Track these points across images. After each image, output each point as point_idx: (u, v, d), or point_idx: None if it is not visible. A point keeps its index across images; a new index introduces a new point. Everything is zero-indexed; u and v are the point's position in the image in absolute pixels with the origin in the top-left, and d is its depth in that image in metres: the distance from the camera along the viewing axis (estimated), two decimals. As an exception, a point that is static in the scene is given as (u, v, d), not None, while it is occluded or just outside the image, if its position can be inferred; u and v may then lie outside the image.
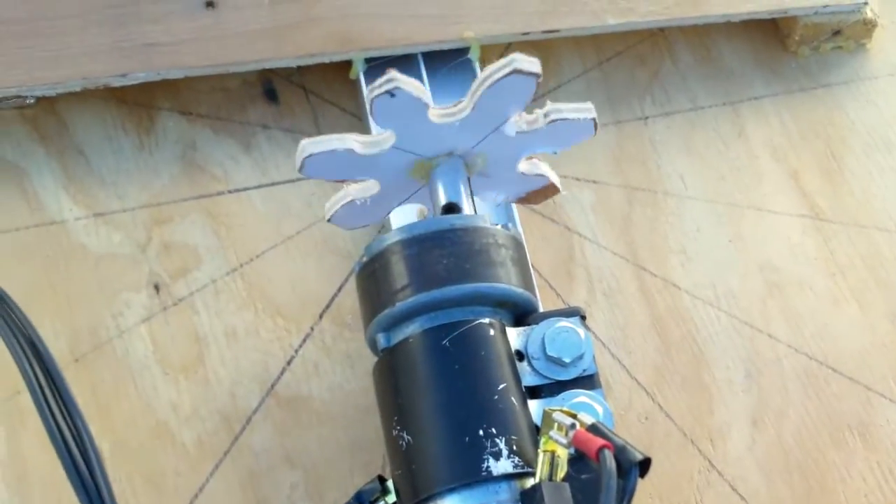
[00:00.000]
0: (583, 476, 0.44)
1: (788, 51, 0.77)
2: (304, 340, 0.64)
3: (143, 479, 0.60)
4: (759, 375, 0.65)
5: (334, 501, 0.60)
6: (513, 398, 0.47)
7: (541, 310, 0.54)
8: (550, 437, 0.45)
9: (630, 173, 0.72)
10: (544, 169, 0.60)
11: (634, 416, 0.64)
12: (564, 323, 0.50)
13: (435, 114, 0.53)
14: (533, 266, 0.66)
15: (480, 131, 0.55)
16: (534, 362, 0.50)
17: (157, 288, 0.65)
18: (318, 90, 0.73)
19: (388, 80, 0.50)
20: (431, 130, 0.53)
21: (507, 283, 0.51)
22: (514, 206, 0.66)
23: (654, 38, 0.77)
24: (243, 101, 0.72)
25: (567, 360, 0.49)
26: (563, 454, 0.44)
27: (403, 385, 0.49)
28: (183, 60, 0.67)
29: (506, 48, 0.74)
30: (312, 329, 0.65)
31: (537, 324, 0.51)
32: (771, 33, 0.77)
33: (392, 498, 0.49)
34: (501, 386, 0.48)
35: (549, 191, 0.61)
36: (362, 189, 0.56)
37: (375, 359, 0.53)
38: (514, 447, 0.46)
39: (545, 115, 0.55)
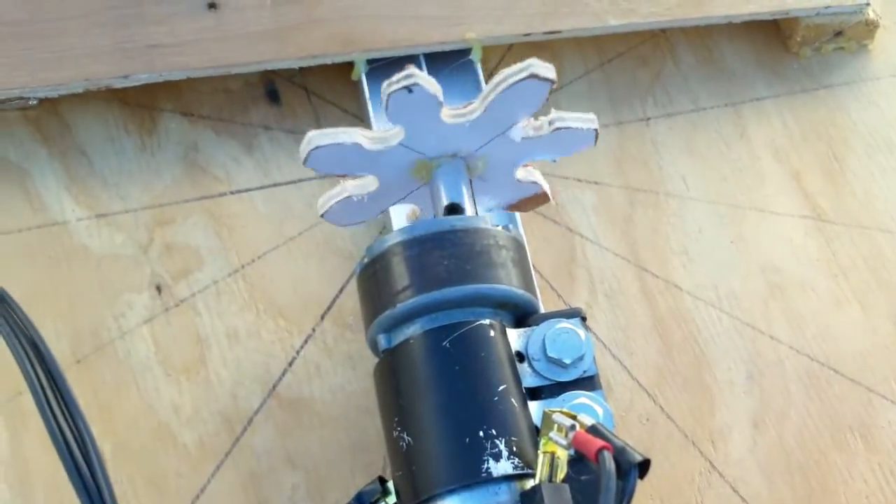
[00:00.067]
0: (582, 477, 0.44)
1: (790, 52, 0.77)
2: (306, 341, 0.64)
3: (145, 480, 0.60)
4: (760, 377, 0.65)
5: (335, 502, 0.60)
6: (513, 399, 0.47)
7: (542, 311, 0.54)
8: (550, 439, 0.45)
9: (632, 174, 0.72)
10: (538, 177, 0.60)
11: (635, 417, 0.64)
12: (565, 324, 0.50)
13: (446, 113, 0.53)
14: (534, 267, 0.66)
15: (487, 134, 0.55)
16: (534, 363, 0.50)
17: (158, 289, 0.65)
18: (320, 91, 0.73)
19: (407, 76, 0.50)
20: (440, 130, 0.54)
21: (507, 284, 0.51)
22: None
23: (656, 38, 0.77)
24: (245, 103, 0.72)
25: (567, 361, 0.49)
26: (563, 455, 0.44)
27: (404, 386, 0.49)
28: (185, 62, 0.67)
29: (507, 49, 0.74)
30: (314, 330, 0.65)
31: (538, 325, 0.51)
32: (773, 34, 0.77)
33: (392, 499, 0.49)
34: (502, 387, 0.48)
35: (540, 199, 0.61)
36: (360, 185, 0.56)
37: (376, 360, 0.53)
38: (514, 448, 0.46)
39: (550, 123, 0.55)
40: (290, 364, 0.64)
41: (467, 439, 0.46)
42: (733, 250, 0.69)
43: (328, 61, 0.69)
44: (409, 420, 0.48)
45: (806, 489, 0.62)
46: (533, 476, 0.45)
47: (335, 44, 0.69)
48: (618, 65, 0.76)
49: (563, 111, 0.56)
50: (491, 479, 0.45)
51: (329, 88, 0.73)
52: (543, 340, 0.50)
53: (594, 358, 0.50)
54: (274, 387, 0.63)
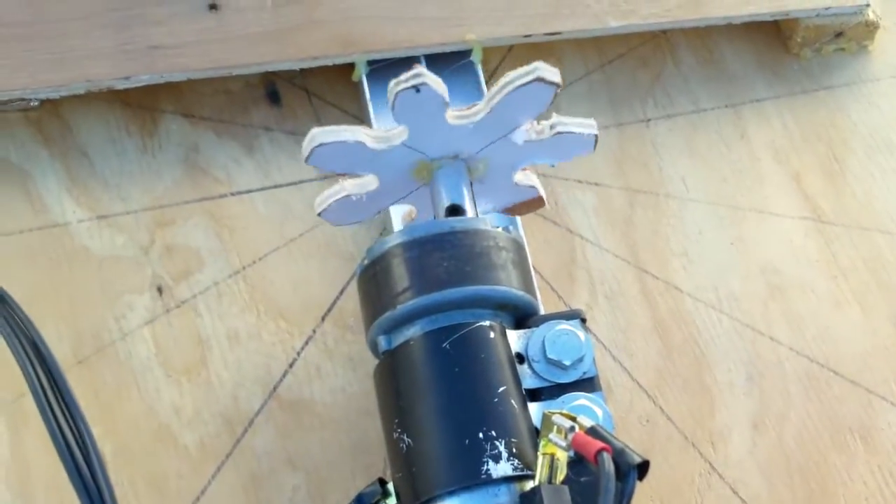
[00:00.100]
0: (582, 479, 0.44)
1: (790, 53, 0.77)
2: (307, 343, 0.64)
3: (145, 481, 0.60)
4: (760, 378, 0.65)
5: (336, 504, 0.60)
6: (513, 401, 0.48)
7: (542, 312, 0.55)
8: (550, 440, 0.45)
9: (632, 176, 0.72)
10: (535, 181, 0.60)
11: (635, 418, 0.64)
12: (565, 326, 0.50)
13: (451, 114, 0.53)
14: (535, 268, 0.66)
15: (490, 136, 0.55)
16: (534, 365, 0.50)
17: (159, 290, 0.65)
18: (321, 92, 0.73)
19: (416, 75, 0.51)
20: (444, 130, 0.54)
21: (507, 285, 0.51)
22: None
23: (657, 40, 0.77)
24: (246, 104, 0.72)
25: (567, 362, 0.50)
26: (562, 457, 0.44)
27: (404, 388, 0.49)
28: (186, 63, 0.67)
29: (508, 51, 0.74)
30: (314, 332, 0.65)
31: (538, 326, 0.51)
32: (773, 35, 0.77)
33: (392, 500, 0.49)
34: (501, 388, 0.48)
35: (535, 203, 0.61)
36: (360, 185, 0.56)
37: (377, 361, 0.53)
38: (514, 450, 0.46)
39: (551, 127, 0.55)
40: (291, 365, 0.64)
41: (467, 441, 0.46)
42: (733, 252, 0.69)
43: (329, 62, 0.69)
44: (408, 421, 0.48)
45: (805, 491, 0.62)
46: (532, 477, 0.45)
47: (336, 45, 0.69)
48: (618, 66, 0.76)
49: (563, 116, 0.56)
50: (490, 481, 0.45)
51: (330, 90, 0.73)
52: (543, 342, 0.50)
53: (594, 359, 0.51)
54: (275, 388, 0.63)
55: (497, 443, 0.46)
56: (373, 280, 0.52)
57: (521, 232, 0.66)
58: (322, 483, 0.60)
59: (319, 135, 0.52)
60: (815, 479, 0.63)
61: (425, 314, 0.50)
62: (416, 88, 0.51)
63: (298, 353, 0.64)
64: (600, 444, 0.42)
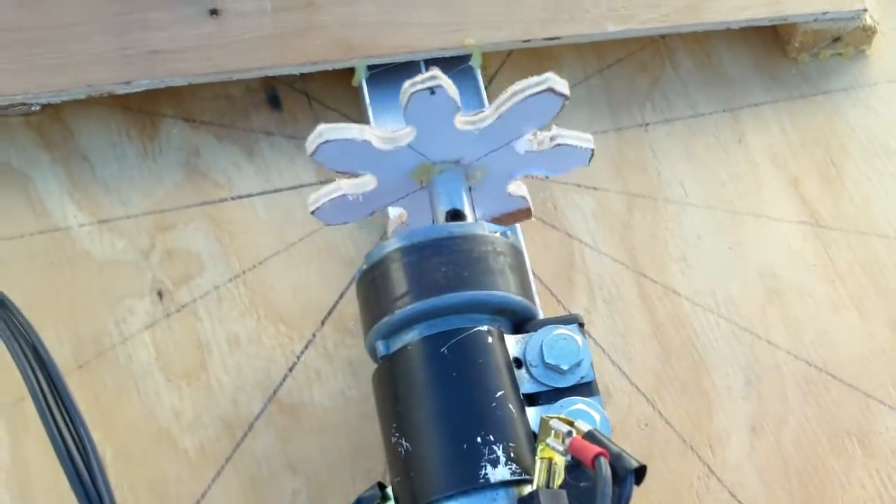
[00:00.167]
0: (580, 483, 0.45)
1: (788, 57, 0.77)
2: (306, 347, 0.65)
3: (146, 485, 0.60)
4: (758, 382, 0.65)
5: (335, 507, 0.60)
6: (511, 405, 0.48)
7: (541, 316, 0.55)
8: (547, 445, 0.45)
9: (630, 180, 0.72)
10: (526, 192, 0.61)
11: (634, 422, 0.64)
12: (562, 330, 0.51)
13: (459, 119, 0.53)
14: (533, 272, 0.66)
15: (493, 143, 0.56)
16: (532, 369, 0.50)
17: (160, 294, 0.65)
18: (321, 97, 0.73)
19: (431, 78, 0.51)
20: (450, 135, 0.54)
21: (505, 290, 0.51)
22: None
23: (655, 44, 0.77)
24: (247, 108, 0.72)
25: (565, 367, 0.50)
26: (560, 461, 0.45)
27: (402, 392, 0.49)
28: (187, 68, 0.68)
29: (507, 55, 0.75)
30: (314, 336, 0.65)
31: (536, 331, 0.51)
32: (771, 40, 0.78)
33: (391, 504, 0.50)
34: (499, 393, 0.48)
35: (523, 214, 0.62)
36: (357, 185, 0.57)
37: (376, 366, 0.53)
38: (512, 454, 0.46)
39: (552, 139, 0.56)
40: (291, 370, 0.64)
41: (465, 445, 0.46)
42: (731, 256, 0.70)
43: (329, 67, 0.69)
44: (407, 426, 0.48)
45: (804, 494, 0.62)
46: (530, 482, 0.45)
47: (336, 50, 0.69)
48: (617, 70, 0.76)
49: (563, 128, 0.57)
50: (488, 485, 0.46)
51: (330, 94, 0.73)
52: (541, 346, 0.50)
53: (592, 364, 0.51)
54: (274, 392, 0.63)
55: (495, 447, 0.46)
56: (371, 285, 0.52)
57: (520, 236, 0.66)
58: (322, 487, 0.61)
59: (327, 131, 0.52)
60: (813, 483, 0.63)
61: (423, 319, 0.50)
62: (432, 90, 0.51)
63: (298, 357, 0.64)
64: (597, 449, 0.42)
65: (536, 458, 0.45)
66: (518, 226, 0.66)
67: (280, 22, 0.69)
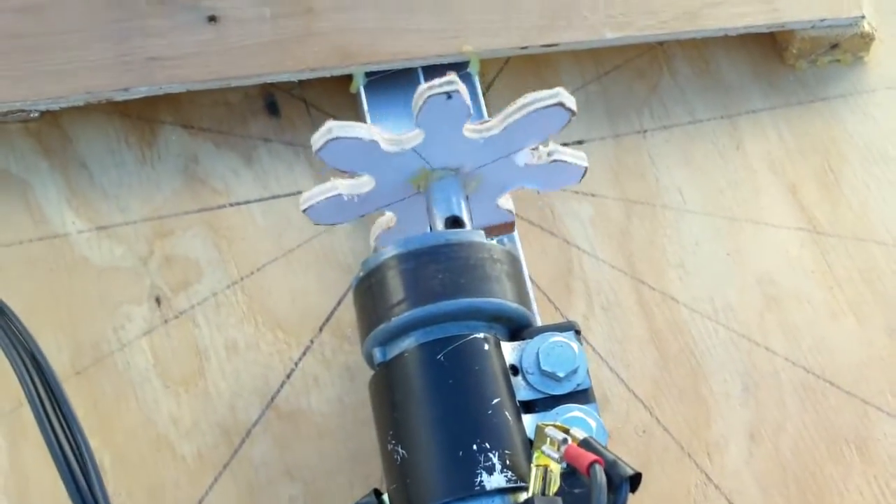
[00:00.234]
0: (575, 490, 0.45)
1: (786, 64, 0.77)
2: (304, 353, 0.65)
3: (143, 491, 0.60)
4: (756, 389, 0.65)
5: (333, 514, 0.60)
6: (507, 413, 0.48)
7: (539, 323, 0.55)
8: (543, 452, 0.45)
9: (628, 186, 0.72)
10: (512, 206, 0.61)
11: (632, 429, 0.64)
12: (559, 337, 0.51)
13: (467, 127, 0.54)
14: (531, 279, 0.66)
15: (495, 153, 0.56)
16: (528, 377, 0.50)
17: (158, 301, 0.66)
18: (319, 103, 0.73)
19: (449, 82, 0.51)
20: (456, 141, 0.54)
21: (501, 297, 0.51)
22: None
23: (653, 51, 0.77)
24: (245, 115, 0.72)
25: (561, 374, 0.50)
26: (556, 469, 0.45)
27: (398, 399, 0.49)
28: (185, 75, 0.68)
29: (505, 62, 0.75)
30: (312, 342, 0.65)
31: (532, 338, 0.51)
32: (769, 47, 0.78)
33: (388, 511, 0.50)
34: (495, 400, 0.48)
35: (506, 228, 0.62)
36: (354, 185, 0.56)
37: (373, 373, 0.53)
38: (508, 462, 0.46)
39: (549, 154, 0.56)
40: (289, 376, 0.64)
41: (461, 452, 0.46)
42: (729, 262, 0.70)
43: (327, 74, 0.69)
44: (403, 433, 0.48)
45: (802, 501, 0.62)
46: (526, 489, 0.45)
47: (334, 57, 0.69)
48: (615, 77, 0.76)
49: (559, 144, 0.57)
50: (484, 493, 0.46)
51: (328, 101, 0.73)
52: (537, 354, 0.50)
53: (588, 371, 0.51)
54: (272, 399, 0.63)
55: (491, 454, 0.46)
56: (368, 292, 0.52)
57: (518, 243, 0.66)
58: (319, 493, 0.61)
59: (336, 128, 0.52)
60: (811, 490, 0.63)
61: (420, 326, 0.50)
62: (448, 95, 0.51)
63: (296, 364, 0.64)
64: (592, 457, 0.42)
65: (532, 465, 0.45)
66: (516, 232, 0.67)
67: (278, 29, 0.69)
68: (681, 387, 0.65)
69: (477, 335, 0.50)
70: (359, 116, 0.71)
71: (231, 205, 0.69)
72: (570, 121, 0.54)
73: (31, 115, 0.68)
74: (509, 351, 0.51)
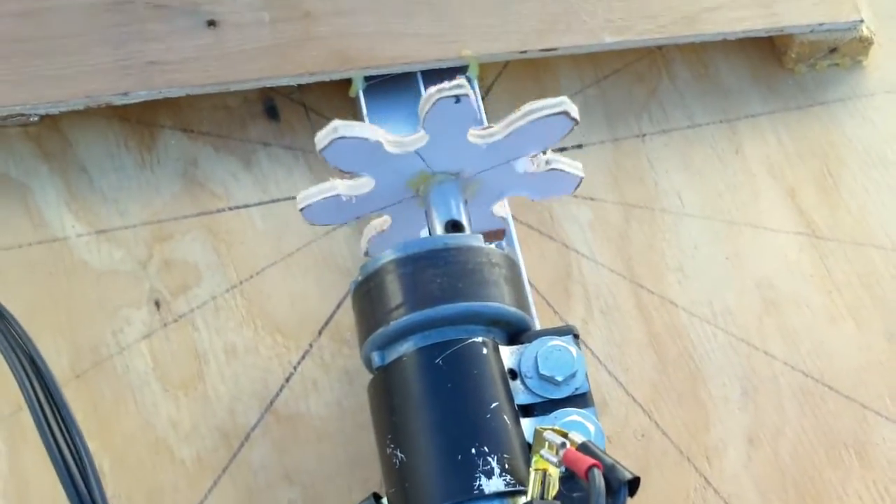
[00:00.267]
0: (574, 494, 0.45)
1: (785, 68, 0.77)
2: (303, 357, 0.65)
3: (143, 495, 0.60)
4: (755, 393, 0.65)
5: (332, 518, 0.60)
6: (505, 417, 0.48)
7: (538, 326, 0.55)
8: (542, 456, 0.45)
9: (627, 190, 0.72)
10: (505, 213, 0.62)
11: (631, 433, 0.64)
12: (557, 341, 0.51)
13: (471, 131, 0.54)
14: (530, 283, 0.66)
15: (496, 159, 0.56)
16: (527, 381, 0.50)
17: (157, 304, 0.66)
18: (318, 107, 0.73)
19: (459, 86, 0.51)
20: (459, 146, 0.55)
21: (500, 302, 0.51)
22: (511, 223, 0.67)
23: (652, 55, 0.77)
24: (244, 119, 0.72)
25: (560, 378, 0.50)
26: (554, 473, 0.45)
27: (397, 403, 0.49)
28: (184, 79, 0.68)
29: (504, 66, 0.75)
30: (311, 346, 0.65)
31: (530, 342, 0.51)
32: (767, 51, 0.78)
33: (386, 515, 0.50)
34: (494, 404, 0.48)
35: (496, 235, 0.63)
36: (353, 186, 0.57)
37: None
38: (506, 465, 0.46)
39: (547, 162, 0.57)
40: (288, 380, 0.64)
41: (459, 456, 0.46)
42: (728, 266, 0.70)
43: (326, 78, 0.69)
44: (402, 437, 0.48)
45: (800, 505, 0.63)
46: (525, 493, 0.45)
47: (333, 61, 0.69)
48: (613, 81, 0.76)
49: (557, 154, 0.58)
50: (483, 496, 0.46)
51: (327, 105, 0.73)
52: (536, 358, 0.50)
53: (586, 375, 0.51)
54: (271, 402, 0.63)
55: (489, 458, 0.46)
56: (367, 296, 0.52)
57: (517, 247, 0.66)
58: (318, 497, 0.61)
59: (342, 127, 0.52)
60: (809, 495, 0.63)
61: (418, 330, 0.50)
62: (457, 98, 0.51)
63: (295, 368, 0.64)
64: (591, 461, 0.43)
65: (531, 469, 0.45)
66: (515, 236, 0.67)
67: (277, 33, 0.69)
68: (680, 391, 0.65)
69: (475, 339, 0.50)
70: (358, 120, 0.71)
71: (230, 209, 0.69)
72: (572, 130, 0.54)
73: (31, 119, 0.68)
74: (508, 355, 0.51)
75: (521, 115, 0.54)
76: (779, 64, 0.77)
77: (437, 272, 0.51)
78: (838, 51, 0.76)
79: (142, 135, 0.71)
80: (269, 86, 0.70)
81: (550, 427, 0.46)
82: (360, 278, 0.53)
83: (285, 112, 0.73)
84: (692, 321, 0.68)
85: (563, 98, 0.53)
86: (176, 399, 0.63)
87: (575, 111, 0.53)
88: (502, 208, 0.62)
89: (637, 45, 0.73)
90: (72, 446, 0.47)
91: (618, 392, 0.65)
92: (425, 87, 0.69)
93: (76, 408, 0.48)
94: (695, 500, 0.62)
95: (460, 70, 0.71)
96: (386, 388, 0.50)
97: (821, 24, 0.73)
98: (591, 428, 0.48)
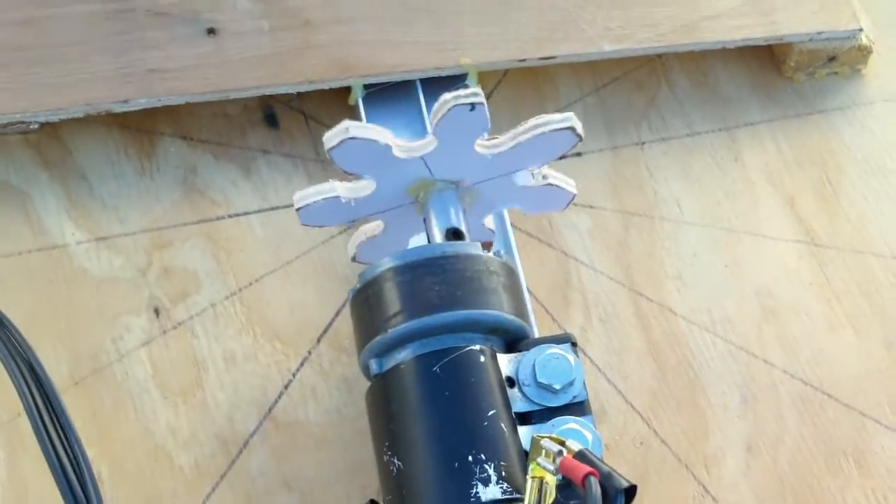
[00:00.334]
0: (571, 502, 0.45)
1: (784, 76, 0.77)
2: (302, 364, 0.65)
3: (141, 502, 0.60)
4: (754, 401, 0.65)
5: (330, 525, 0.60)
6: (502, 424, 0.48)
7: (537, 334, 0.55)
8: (538, 464, 0.45)
9: (627, 198, 0.72)
10: (493, 226, 0.62)
11: (629, 440, 0.64)
12: (555, 350, 0.51)
13: (478, 141, 0.54)
14: (529, 290, 0.66)
15: (498, 171, 0.56)
16: (524, 388, 0.50)
17: (156, 312, 0.66)
18: (318, 115, 0.73)
19: (474, 94, 0.52)
20: (465, 154, 0.55)
21: (498, 310, 0.51)
22: (510, 231, 0.67)
23: (651, 63, 0.77)
24: (244, 127, 0.73)
25: (557, 386, 0.50)
26: (551, 481, 0.45)
27: (395, 411, 0.49)
28: (184, 87, 0.68)
29: (503, 75, 0.75)
30: (310, 353, 0.65)
31: (528, 350, 0.51)
32: (767, 59, 0.78)
33: (383, 523, 0.50)
34: (491, 412, 0.48)
35: (484, 247, 0.62)
36: (353, 188, 0.57)
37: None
38: (503, 473, 0.46)
39: (543, 177, 0.57)
40: (287, 387, 0.64)
41: (456, 464, 0.46)
42: (727, 274, 0.70)
43: (325, 86, 0.70)
44: (399, 444, 0.48)
45: (799, 513, 0.62)
46: (521, 501, 0.45)
47: (332, 69, 0.69)
48: (613, 89, 0.76)
49: (553, 169, 0.58)
50: (479, 504, 0.46)
51: (326, 112, 0.73)
52: (534, 366, 0.50)
53: (584, 383, 0.51)
54: (270, 409, 0.63)
55: (486, 466, 0.46)
56: (365, 304, 0.53)
57: (516, 255, 0.67)
58: (316, 504, 0.61)
59: (353, 128, 0.52)
60: (808, 503, 0.63)
61: (416, 338, 0.51)
62: (472, 106, 0.51)
63: (294, 375, 0.64)
64: (588, 469, 0.42)
65: (528, 477, 0.45)
66: (514, 244, 0.67)
67: (277, 41, 0.70)
68: (678, 399, 0.65)
69: (473, 347, 0.50)
70: (357, 128, 0.72)
71: (230, 216, 0.69)
72: (575, 146, 0.55)
73: (31, 127, 0.68)
74: (506, 363, 0.51)
75: (528, 129, 0.54)
76: (778, 72, 0.78)
77: (435, 280, 0.51)
78: (837, 59, 0.76)
79: (141, 142, 0.71)
80: (268, 94, 0.70)
81: (548, 435, 0.46)
82: (358, 286, 0.54)
83: (285, 120, 0.73)
84: (691, 329, 0.68)
85: (570, 114, 0.54)
86: (175, 406, 0.63)
87: (580, 127, 0.54)
88: (491, 220, 0.62)
89: (636, 54, 0.73)
90: (70, 453, 0.47)
91: (617, 400, 0.65)
92: (424, 95, 0.70)
93: (75, 415, 0.48)
94: (694, 508, 0.62)
95: (459, 78, 0.71)
96: (384, 395, 0.51)
97: (820, 33, 0.73)
98: (589, 436, 0.48)
